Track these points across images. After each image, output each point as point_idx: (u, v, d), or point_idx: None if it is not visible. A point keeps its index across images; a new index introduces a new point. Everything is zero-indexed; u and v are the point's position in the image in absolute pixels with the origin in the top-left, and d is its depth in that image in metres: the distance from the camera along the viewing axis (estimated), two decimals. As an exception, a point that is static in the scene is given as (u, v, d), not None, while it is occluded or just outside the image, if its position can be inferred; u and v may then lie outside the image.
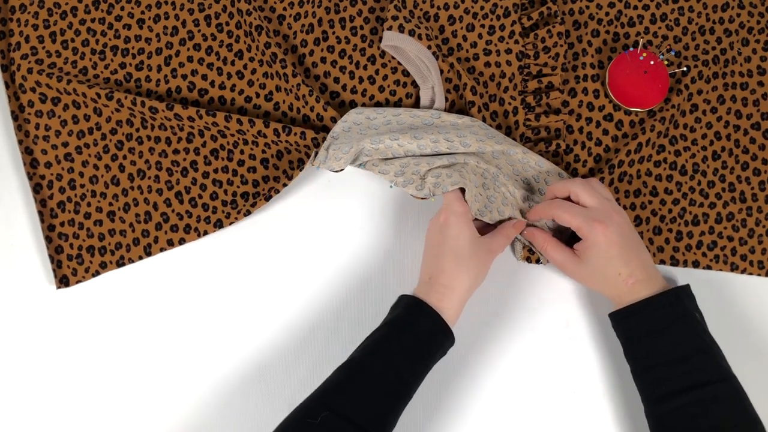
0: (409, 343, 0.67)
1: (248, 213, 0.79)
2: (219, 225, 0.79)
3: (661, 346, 0.66)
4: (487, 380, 0.77)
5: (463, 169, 0.74)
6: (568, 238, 0.76)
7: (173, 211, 0.81)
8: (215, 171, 0.81)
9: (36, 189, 0.81)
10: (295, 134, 0.76)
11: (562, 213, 0.71)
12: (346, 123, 0.77)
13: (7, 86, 0.83)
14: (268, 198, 0.78)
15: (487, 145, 0.75)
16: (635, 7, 0.84)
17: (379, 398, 0.64)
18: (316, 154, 0.75)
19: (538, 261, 0.78)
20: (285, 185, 0.78)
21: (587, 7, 0.84)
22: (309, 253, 0.80)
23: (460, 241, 0.70)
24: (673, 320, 0.67)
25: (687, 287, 0.70)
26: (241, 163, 0.81)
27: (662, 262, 0.80)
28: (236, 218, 0.79)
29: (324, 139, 0.76)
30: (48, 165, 0.81)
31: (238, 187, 0.81)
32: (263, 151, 0.81)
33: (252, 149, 0.81)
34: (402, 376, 0.65)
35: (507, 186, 0.75)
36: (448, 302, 0.69)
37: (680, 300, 0.68)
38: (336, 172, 0.76)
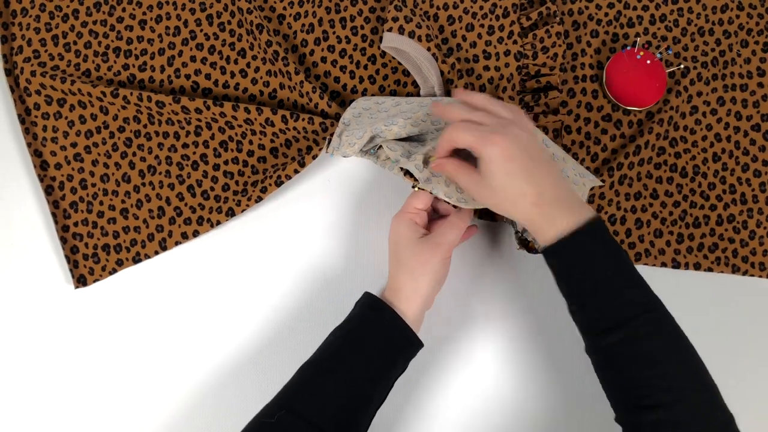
0: (363, 344, 0.66)
1: (259, 199, 0.78)
2: (231, 213, 0.79)
3: (593, 281, 0.62)
4: (475, 379, 0.78)
5: None
6: None
7: (186, 204, 0.81)
8: (225, 163, 0.81)
9: (48, 191, 0.81)
10: (303, 120, 0.77)
11: (456, 134, 0.63)
12: (355, 109, 0.77)
13: (12, 90, 0.83)
14: (279, 183, 0.77)
15: None
16: (634, 8, 0.84)
17: (333, 396, 0.63)
18: (329, 141, 0.75)
19: (534, 250, 0.76)
20: (296, 171, 0.77)
21: (586, 8, 0.84)
22: (307, 251, 0.81)
23: (399, 244, 0.70)
24: (602, 254, 0.62)
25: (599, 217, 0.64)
26: (250, 153, 0.81)
27: (663, 264, 0.80)
28: (247, 205, 0.78)
29: (332, 124, 0.77)
30: (58, 166, 0.82)
31: (249, 177, 0.81)
32: (272, 141, 0.81)
33: (260, 139, 0.81)
34: (358, 378, 0.65)
35: None
36: (399, 304, 0.68)
37: (604, 229, 0.63)
38: (346, 157, 0.76)
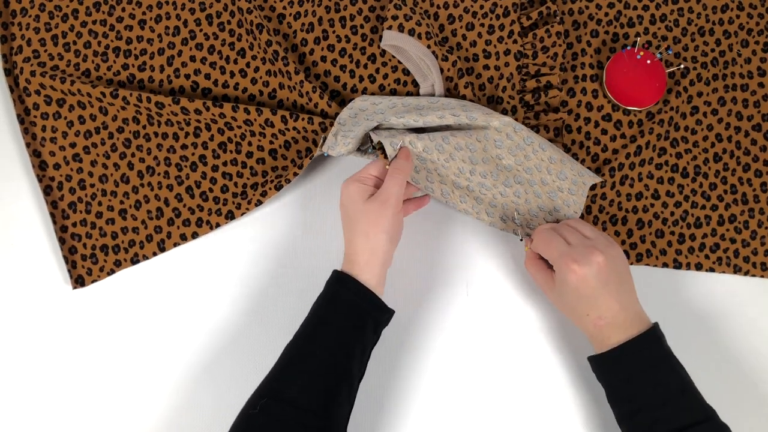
0: (332, 317, 0.66)
1: (259, 203, 0.78)
2: (230, 216, 0.79)
3: (643, 390, 0.64)
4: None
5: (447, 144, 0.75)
6: None
7: (185, 206, 0.80)
8: (224, 164, 0.81)
9: (46, 191, 0.81)
10: (303, 119, 0.77)
11: (540, 244, 0.71)
12: (352, 110, 0.77)
13: (11, 90, 0.83)
14: (279, 187, 0.77)
15: (493, 117, 0.75)
16: (635, 8, 0.84)
17: (314, 377, 0.63)
18: (324, 140, 0.75)
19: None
20: (296, 174, 0.77)
21: (587, 8, 0.84)
22: (307, 252, 0.81)
23: (349, 207, 0.70)
24: (653, 363, 0.65)
25: (657, 325, 0.67)
26: (249, 155, 0.81)
27: (665, 265, 0.79)
28: (247, 208, 0.78)
29: (331, 124, 0.77)
30: (57, 167, 0.82)
31: (248, 179, 0.81)
32: (271, 142, 0.81)
33: (260, 140, 0.81)
34: (333, 352, 0.65)
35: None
36: (360, 272, 0.68)
37: (658, 341, 0.66)
38: (341, 155, 0.76)
